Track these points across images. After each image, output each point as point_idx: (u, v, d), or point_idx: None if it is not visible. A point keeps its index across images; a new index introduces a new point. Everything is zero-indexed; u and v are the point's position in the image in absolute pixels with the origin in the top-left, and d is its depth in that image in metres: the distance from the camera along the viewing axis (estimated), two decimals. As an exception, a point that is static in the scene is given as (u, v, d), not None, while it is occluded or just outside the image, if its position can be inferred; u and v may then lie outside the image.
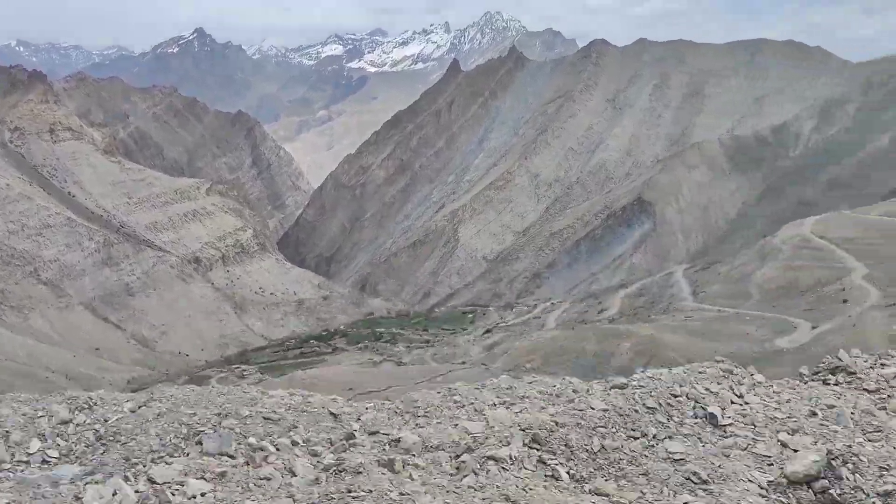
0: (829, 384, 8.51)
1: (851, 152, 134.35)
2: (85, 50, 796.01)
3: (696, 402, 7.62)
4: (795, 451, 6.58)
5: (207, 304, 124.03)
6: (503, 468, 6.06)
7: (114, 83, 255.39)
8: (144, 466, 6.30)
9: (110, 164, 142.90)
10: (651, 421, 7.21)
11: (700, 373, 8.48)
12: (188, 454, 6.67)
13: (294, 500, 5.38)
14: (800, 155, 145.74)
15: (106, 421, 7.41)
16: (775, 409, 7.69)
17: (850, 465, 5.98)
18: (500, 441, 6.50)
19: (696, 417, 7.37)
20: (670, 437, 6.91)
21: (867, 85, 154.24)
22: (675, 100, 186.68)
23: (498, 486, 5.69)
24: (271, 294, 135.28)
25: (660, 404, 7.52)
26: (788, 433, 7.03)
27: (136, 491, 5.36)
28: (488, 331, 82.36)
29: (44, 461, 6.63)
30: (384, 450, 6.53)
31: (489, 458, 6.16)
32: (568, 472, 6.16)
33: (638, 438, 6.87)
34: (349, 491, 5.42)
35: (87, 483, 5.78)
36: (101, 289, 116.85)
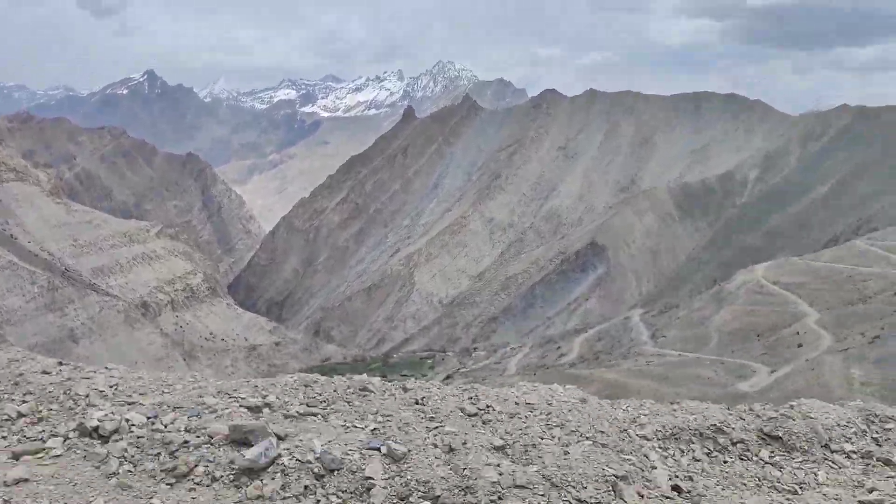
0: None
1: (794, 200, 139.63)
2: (29, 90, 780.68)
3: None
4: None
5: (155, 350, 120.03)
6: None
7: (60, 123, 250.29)
8: None
9: (55, 206, 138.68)
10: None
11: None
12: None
13: None
14: (745, 202, 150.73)
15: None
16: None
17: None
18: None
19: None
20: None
21: (806, 136, 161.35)
22: (625, 148, 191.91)
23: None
24: (222, 340, 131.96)
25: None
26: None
27: None
28: (449, 377, 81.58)
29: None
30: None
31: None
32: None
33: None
34: None
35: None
36: (44, 334, 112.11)
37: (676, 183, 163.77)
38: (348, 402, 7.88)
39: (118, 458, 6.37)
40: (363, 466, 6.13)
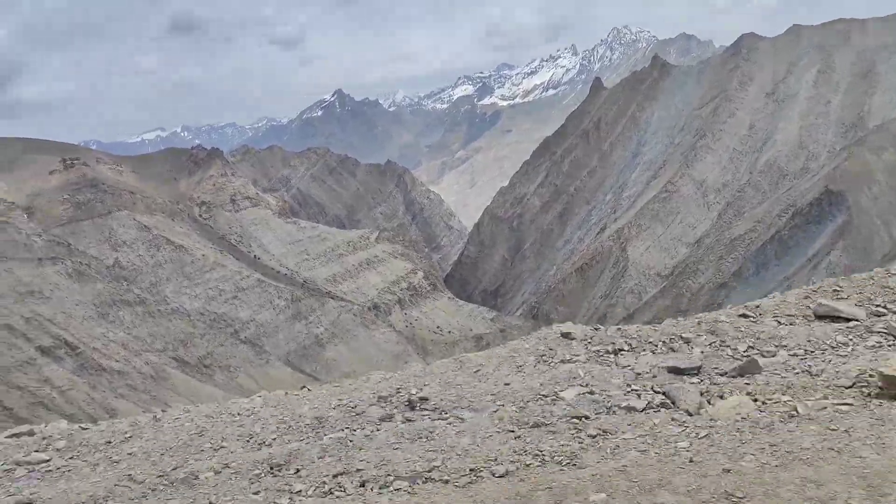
0: None
1: None
2: (238, 126, 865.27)
3: None
4: None
5: (392, 347, 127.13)
6: None
7: (273, 151, 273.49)
8: None
9: (287, 225, 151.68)
10: None
11: None
12: None
13: None
14: None
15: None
16: None
17: None
18: None
19: None
20: None
21: None
22: (843, 83, 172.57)
23: None
24: (449, 332, 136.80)
25: None
26: None
27: None
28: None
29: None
30: None
31: None
32: None
33: None
34: None
35: None
36: (295, 343, 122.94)
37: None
38: None
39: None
40: None
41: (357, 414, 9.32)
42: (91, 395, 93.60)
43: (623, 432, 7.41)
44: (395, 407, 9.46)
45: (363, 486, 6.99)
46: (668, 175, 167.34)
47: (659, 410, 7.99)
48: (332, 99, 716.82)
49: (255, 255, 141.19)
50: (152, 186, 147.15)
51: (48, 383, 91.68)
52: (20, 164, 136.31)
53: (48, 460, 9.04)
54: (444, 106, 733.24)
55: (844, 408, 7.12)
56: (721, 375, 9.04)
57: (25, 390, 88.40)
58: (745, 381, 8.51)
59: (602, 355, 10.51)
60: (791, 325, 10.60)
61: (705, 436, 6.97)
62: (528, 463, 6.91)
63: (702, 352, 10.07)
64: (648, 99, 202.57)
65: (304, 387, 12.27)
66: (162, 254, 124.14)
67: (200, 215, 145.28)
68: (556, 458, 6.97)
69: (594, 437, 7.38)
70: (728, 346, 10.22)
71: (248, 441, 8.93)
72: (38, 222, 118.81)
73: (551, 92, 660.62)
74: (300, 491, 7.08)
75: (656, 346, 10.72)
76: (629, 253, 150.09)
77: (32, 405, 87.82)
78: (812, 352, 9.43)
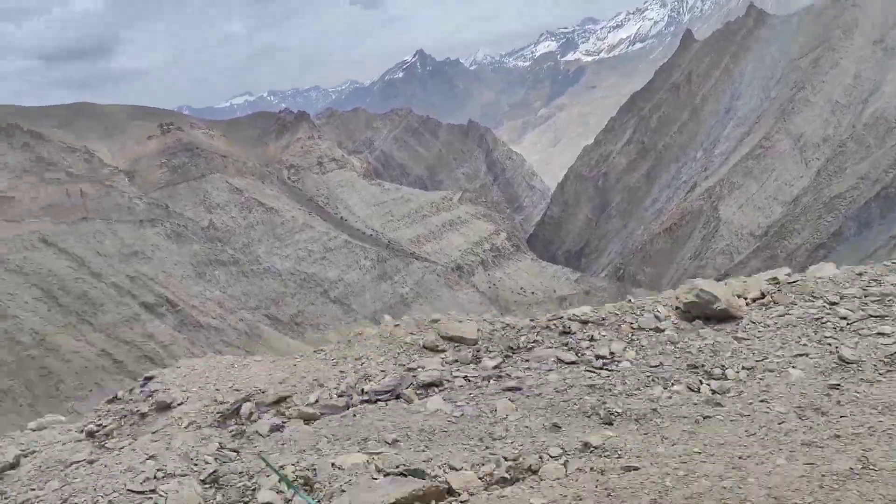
0: None
1: None
2: (322, 89, 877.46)
3: None
4: None
5: (475, 308, 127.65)
6: None
7: (357, 113, 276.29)
8: None
9: (371, 187, 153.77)
10: None
11: None
12: None
13: None
14: None
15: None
16: None
17: None
18: None
19: None
20: None
21: None
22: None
23: None
24: (532, 293, 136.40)
25: None
26: None
27: None
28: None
29: None
30: None
31: None
32: None
33: None
34: None
35: None
36: (381, 301, 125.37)
37: None
38: None
39: None
40: None
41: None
42: (191, 350, 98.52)
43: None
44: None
45: None
46: (763, 130, 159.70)
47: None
48: (414, 60, 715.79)
49: (341, 217, 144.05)
50: (243, 150, 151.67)
51: (152, 338, 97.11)
52: (122, 130, 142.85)
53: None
54: (526, 63, 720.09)
55: None
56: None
57: (132, 344, 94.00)
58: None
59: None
60: None
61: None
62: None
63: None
64: (743, 50, 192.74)
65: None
66: (253, 215, 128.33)
67: (289, 178, 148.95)
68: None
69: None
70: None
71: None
72: (139, 186, 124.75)
73: (638, 46, 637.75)
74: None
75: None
76: (721, 212, 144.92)
77: (139, 359, 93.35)
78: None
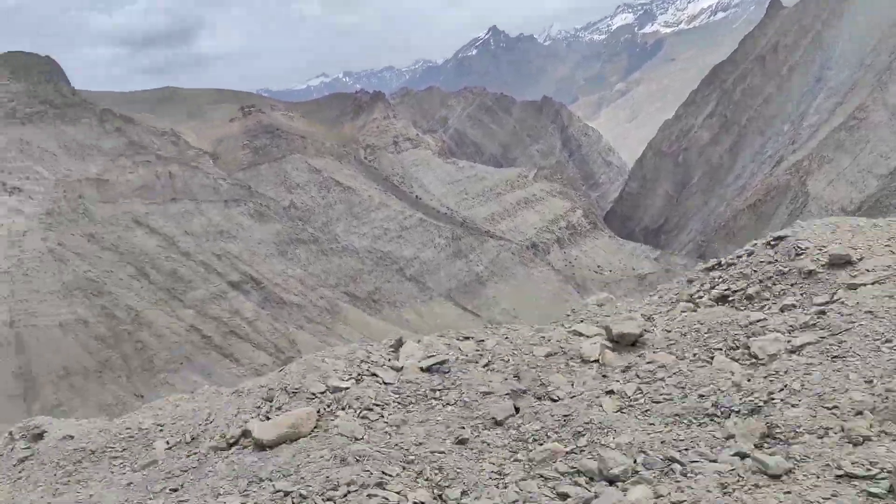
0: None
1: None
2: (396, 69, 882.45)
3: None
4: None
5: (551, 286, 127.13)
6: None
7: (430, 92, 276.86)
8: None
9: (446, 166, 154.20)
10: None
11: None
12: None
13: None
14: None
15: None
16: None
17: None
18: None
19: None
20: None
21: None
22: None
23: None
24: (609, 271, 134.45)
25: None
26: None
27: None
28: None
29: None
30: None
31: None
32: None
33: None
34: None
35: None
36: (456, 280, 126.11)
37: None
38: None
39: None
40: None
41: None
42: (274, 326, 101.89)
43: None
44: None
45: None
46: (857, 100, 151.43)
47: None
48: (487, 36, 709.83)
49: (416, 195, 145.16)
50: (320, 130, 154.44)
51: (238, 314, 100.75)
52: (205, 113, 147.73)
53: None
54: (602, 37, 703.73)
55: None
56: None
57: (219, 320, 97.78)
58: None
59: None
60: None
61: None
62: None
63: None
64: (835, 16, 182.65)
65: None
66: (332, 195, 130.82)
67: (365, 157, 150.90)
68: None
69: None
70: None
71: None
72: (223, 167, 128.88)
73: (720, 15, 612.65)
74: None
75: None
76: (809, 187, 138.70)
77: (226, 334, 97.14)
78: None
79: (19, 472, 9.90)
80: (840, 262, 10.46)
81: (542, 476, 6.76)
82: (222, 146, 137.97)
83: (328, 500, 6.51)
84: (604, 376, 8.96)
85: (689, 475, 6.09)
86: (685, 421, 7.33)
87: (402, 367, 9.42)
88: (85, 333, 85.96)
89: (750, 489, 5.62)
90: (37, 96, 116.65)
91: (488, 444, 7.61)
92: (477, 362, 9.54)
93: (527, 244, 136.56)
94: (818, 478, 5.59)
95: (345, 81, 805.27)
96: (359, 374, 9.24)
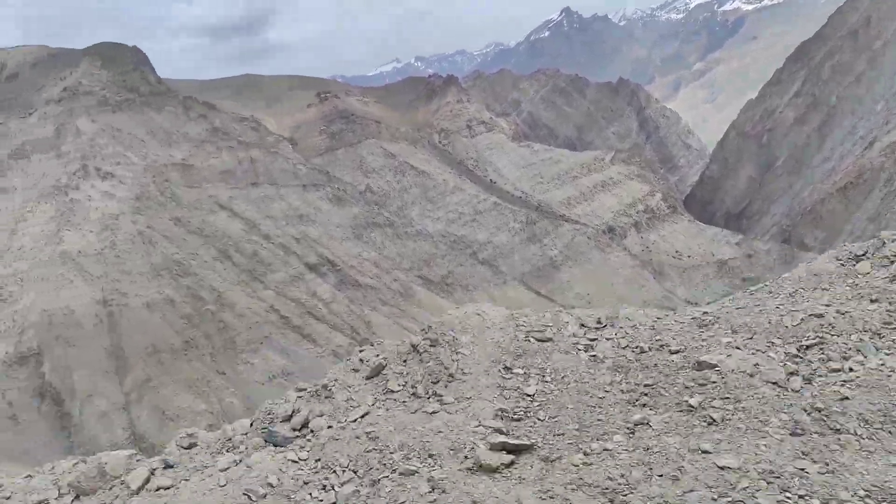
0: None
1: None
2: (467, 53, 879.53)
3: None
4: None
5: (626, 271, 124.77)
6: None
7: (503, 75, 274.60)
8: None
9: (520, 149, 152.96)
10: None
11: None
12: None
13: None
14: None
15: None
16: None
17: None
18: None
19: None
20: None
21: None
22: None
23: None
24: (688, 257, 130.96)
25: None
26: None
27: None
28: None
29: None
30: None
31: None
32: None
33: None
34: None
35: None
36: (529, 264, 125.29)
37: None
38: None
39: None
40: None
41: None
42: (350, 308, 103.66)
43: None
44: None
45: None
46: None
47: None
48: (560, 18, 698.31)
49: (490, 179, 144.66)
50: (395, 115, 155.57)
51: (315, 296, 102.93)
52: (283, 99, 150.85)
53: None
54: (680, 16, 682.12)
55: None
56: None
57: (298, 302, 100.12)
58: None
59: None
60: None
61: None
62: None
63: None
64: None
65: None
66: (407, 179, 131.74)
67: (439, 141, 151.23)
68: None
69: None
70: None
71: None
72: (301, 152, 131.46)
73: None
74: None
75: None
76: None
77: (303, 315, 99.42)
78: None
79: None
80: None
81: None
82: (300, 132, 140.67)
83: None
84: None
85: None
86: None
87: None
88: (172, 313, 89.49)
89: None
90: (125, 85, 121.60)
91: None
92: None
93: (603, 228, 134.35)
94: None
95: (417, 66, 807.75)
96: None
